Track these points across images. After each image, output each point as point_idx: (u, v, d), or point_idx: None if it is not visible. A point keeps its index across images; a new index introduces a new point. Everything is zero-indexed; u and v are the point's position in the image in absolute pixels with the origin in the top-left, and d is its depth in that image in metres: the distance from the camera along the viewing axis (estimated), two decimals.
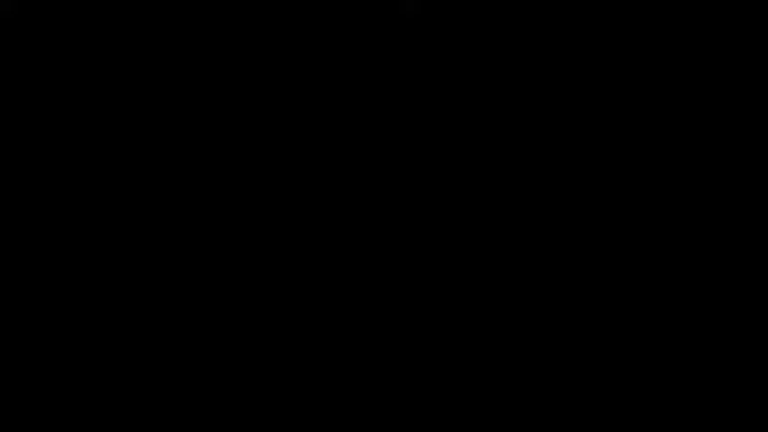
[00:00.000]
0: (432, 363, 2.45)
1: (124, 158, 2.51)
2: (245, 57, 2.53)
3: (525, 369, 2.44)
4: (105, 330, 2.46)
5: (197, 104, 2.52)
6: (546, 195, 2.49)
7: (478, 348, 2.46)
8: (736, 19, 2.51)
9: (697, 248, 2.47)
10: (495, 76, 2.52)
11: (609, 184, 2.49)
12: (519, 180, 2.50)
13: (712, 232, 2.47)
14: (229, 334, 2.47)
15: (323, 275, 2.48)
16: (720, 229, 2.47)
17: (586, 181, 2.49)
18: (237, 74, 2.53)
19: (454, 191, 2.50)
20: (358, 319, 2.47)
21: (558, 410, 2.43)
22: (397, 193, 2.51)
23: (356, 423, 2.43)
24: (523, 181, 2.50)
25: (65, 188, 2.50)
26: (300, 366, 2.46)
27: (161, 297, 2.47)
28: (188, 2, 2.54)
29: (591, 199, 2.49)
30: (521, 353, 2.45)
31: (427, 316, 2.47)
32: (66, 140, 2.51)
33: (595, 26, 2.52)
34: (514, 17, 2.53)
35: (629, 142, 2.50)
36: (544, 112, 2.52)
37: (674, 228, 2.48)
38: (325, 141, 2.52)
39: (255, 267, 2.48)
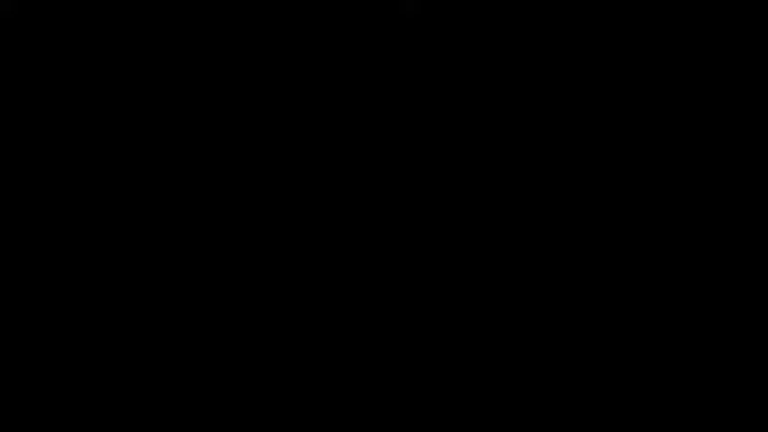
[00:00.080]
0: (432, 363, 2.45)
1: (124, 158, 2.51)
2: (245, 56, 2.53)
3: (525, 369, 2.44)
4: (105, 330, 2.46)
5: (197, 104, 2.52)
6: (546, 195, 2.49)
7: (478, 348, 2.46)
8: (736, 19, 2.51)
9: (697, 248, 2.47)
10: (494, 77, 2.52)
11: (609, 184, 2.49)
12: (519, 180, 2.50)
13: (712, 232, 2.47)
14: (229, 334, 2.47)
15: (323, 275, 2.48)
16: (720, 229, 2.47)
17: (586, 181, 2.49)
18: (238, 74, 2.53)
19: (454, 190, 2.50)
20: (358, 319, 2.47)
21: (558, 410, 2.43)
22: (398, 192, 2.51)
23: (356, 423, 2.43)
24: (523, 181, 2.50)
25: (65, 188, 2.50)
26: (300, 366, 2.46)
27: (161, 297, 2.47)
28: (188, 2, 2.54)
29: (591, 199, 2.49)
30: (521, 353, 2.45)
31: (427, 316, 2.47)
32: (66, 140, 2.51)
33: (595, 26, 2.52)
34: (514, 17, 2.53)
35: (629, 142, 2.50)
36: (544, 111, 2.52)
37: (674, 227, 2.48)
38: (326, 141, 2.52)
39: (255, 267, 2.48)
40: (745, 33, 2.51)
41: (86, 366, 2.44)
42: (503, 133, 2.51)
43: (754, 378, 2.41)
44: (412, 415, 2.43)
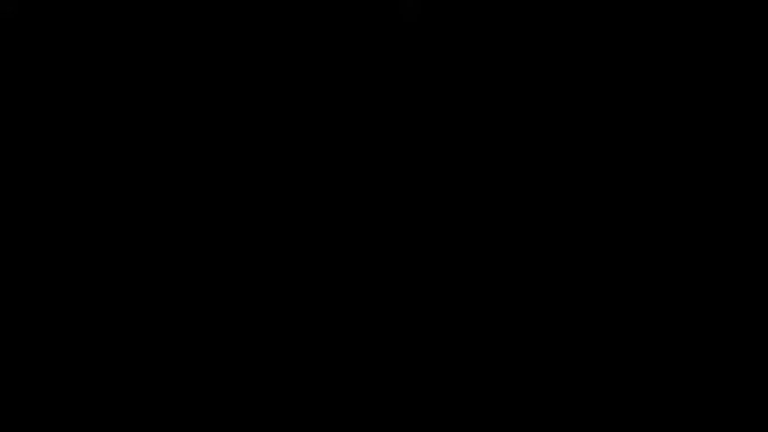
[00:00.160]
0: (432, 363, 2.45)
1: (124, 158, 2.51)
2: (245, 56, 2.53)
3: (525, 369, 2.44)
4: (105, 330, 2.46)
5: (197, 104, 2.52)
6: (545, 195, 2.49)
7: (478, 348, 2.46)
8: (736, 19, 2.51)
9: (697, 248, 2.47)
10: (494, 77, 2.52)
11: (608, 184, 2.49)
12: (518, 180, 2.50)
13: (712, 232, 2.47)
14: (229, 334, 2.47)
15: (323, 275, 2.48)
16: (720, 229, 2.47)
17: (586, 181, 2.49)
18: (238, 74, 2.53)
19: (454, 190, 2.50)
20: (358, 319, 2.47)
21: (557, 410, 2.43)
22: (398, 192, 2.51)
23: (356, 423, 2.43)
24: (523, 180, 2.50)
25: (65, 188, 2.50)
26: (300, 366, 2.46)
27: (161, 297, 2.47)
28: (188, 2, 2.54)
29: (591, 199, 2.49)
30: (520, 353, 2.45)
31: (427, 316, 2.47)
32: (66, 140, 2.51)
33: (595, 26, 2.52)
34: (514, 17, 2.53)
35: (629, 142, 2.50)
36: (544, 111, 2.51)
37: (674, 227, 2.48)
38: (326, 141, 2.52)
39: (255, 267, 2.48)
40: (745, 33, 2.51)
41: (86, 366, 2.44)
42: (502, 133, 2.51)
43: (755, 378, 2.41)
44: (412, 415, 2.43)
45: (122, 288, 2.47)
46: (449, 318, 2.47)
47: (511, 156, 2.51)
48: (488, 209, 2.50)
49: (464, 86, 2.52)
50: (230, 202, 2.50)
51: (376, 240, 2.49)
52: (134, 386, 2.44)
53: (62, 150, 2.51)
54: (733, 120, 2.50)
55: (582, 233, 2.48)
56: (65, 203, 2.49)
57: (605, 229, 2.48)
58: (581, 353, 2.44)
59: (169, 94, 2.52)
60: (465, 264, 2.48)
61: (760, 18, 2.50)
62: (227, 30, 2.54)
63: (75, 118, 2.52)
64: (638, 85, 2.51)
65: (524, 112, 2.52)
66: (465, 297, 2.47)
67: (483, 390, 2.44)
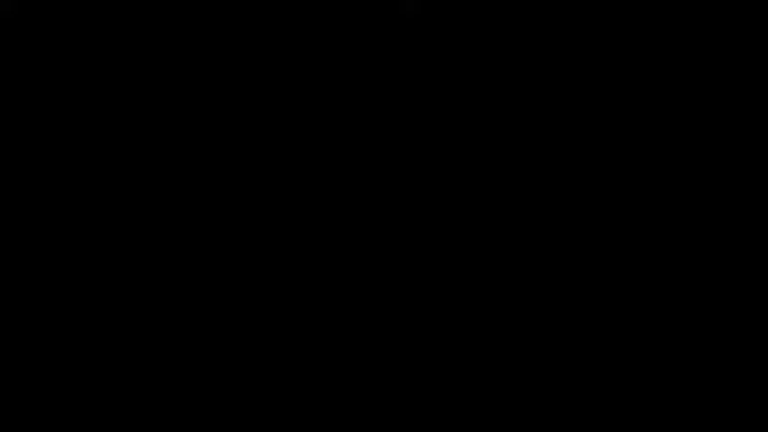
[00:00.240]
0: (432, 363, 2.45)
1: (124, 158, 2.51)
2: (245, 56, 2.53)
3: (525, 369, 2.44)
4: (105, 330, 2.46)
5: (197, 104, 2.52)
6: (545, 195, 2.49)
7: (478, 348, 2.46)
8: (736, 19, 2.51)
9: (697, 248, 2.47)
10: (494, 77, 2.52)
11: (608, 184, 2.49)
12: (518, 180, 2.50)
13: (712, 232, 2.47)
14: (229, 334, 2.47)
15: (323, 275, 2.48)
16: (720, 229, 2.47)
17: (586, 181, 2.49)
18: (237, 74, 2.53)
19: (454, 190, 2.50)
20: (358, 319, 2.47)
21: (558, 410, 2.43)
22: (397, 192, 2.51)
23: (356, 423, 2.43)
24: (523, 180, 2.50)
25: (65, 188, 2.50)
26: (300, 366, 2.46)
27: (161, 296, 2.47)
28: (188, 2, 2.54)
29: (590, 198, 2.49)
30: (521, 353, 2.45)
31: (427, 316, 2.47)
32: (66, 140, 2.51)
33: (595, 26, 2.52)
34: (514, 17, 2.53)
35: (629, 142, 2.50)
36: (544, 111, 2.52)
37: (674, 227, 2.48)
38: (326, 141, 2.52)
39: (255, 267, 2.48)
40: (745, 33, 2.51)
41: (86, 366, 2.44)
42: (502, 133, 2.51)
43: (755, 378, 2.41)
44: (412, 415, 2.43)
45: (122, 288, 2.47)
46: (449, 318, 2.47)
47: (511, 155, 2.51)
48: (488, 208, 2.50)
49: (464, 86, 2.52)
50: (230, 201, 2.50)
51: (376, 240, 2.49)
52: (134, 386, 2.44)
53: (62, 150, 2.51)
54: (733, 120, 2.50)
55: (582, 233, 2.48)
56: (65, 203, 2.49)
57: (605, 229, 2.48)
58: (581, 353, 2.44)
59: (169, 94, 2.52)
60: (465, 263, 2.48)
61: (760, 18, 2.50)
62: (227, 29, 2.54)
63: (76, 118, 2.52)
64: (638, 85, 2.51)
65: (524, 112, 2.52)
66: (465, 297, 2.47)
67: (483, 390, 2.44)
